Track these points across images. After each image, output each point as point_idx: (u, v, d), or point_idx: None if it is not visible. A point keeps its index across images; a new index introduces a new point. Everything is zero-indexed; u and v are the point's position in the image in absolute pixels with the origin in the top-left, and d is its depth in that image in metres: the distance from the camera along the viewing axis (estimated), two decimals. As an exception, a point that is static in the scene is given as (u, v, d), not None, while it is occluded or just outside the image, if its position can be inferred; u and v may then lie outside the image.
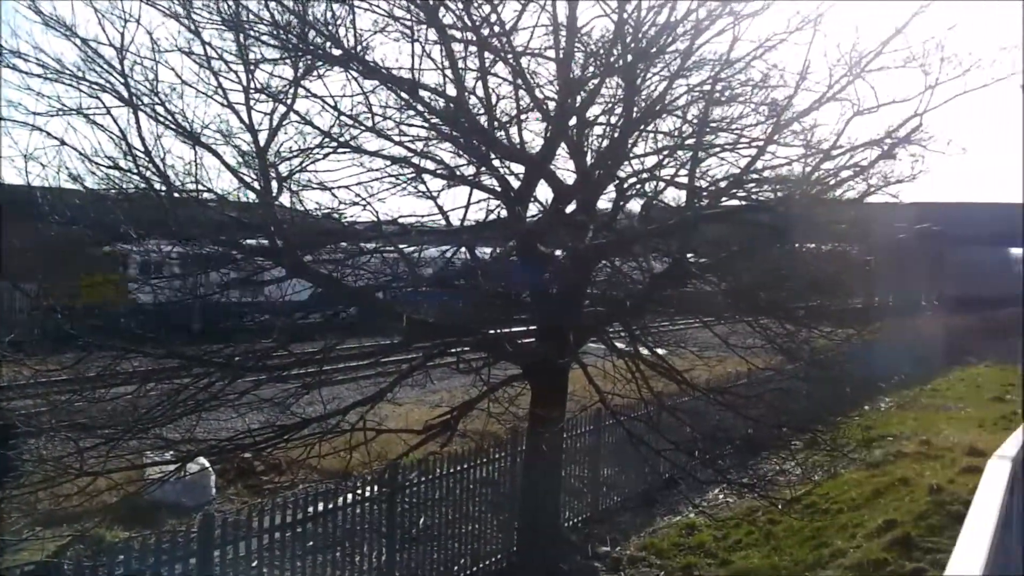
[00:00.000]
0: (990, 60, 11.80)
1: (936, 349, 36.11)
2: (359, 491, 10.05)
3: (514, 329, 13.26)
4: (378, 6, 10.38)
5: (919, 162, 13.25)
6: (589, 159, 12.93)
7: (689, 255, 13.79)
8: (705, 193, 13.66)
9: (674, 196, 14.88)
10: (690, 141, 13.21)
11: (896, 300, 48.51)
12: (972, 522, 3.07)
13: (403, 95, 10.89)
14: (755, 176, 13.74)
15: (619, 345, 12.79)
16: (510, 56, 11.65)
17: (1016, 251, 60.86)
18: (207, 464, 12.16)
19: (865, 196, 14.22)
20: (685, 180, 13.53)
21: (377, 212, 10.72)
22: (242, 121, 9.47)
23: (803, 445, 16.01)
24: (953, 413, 24.37)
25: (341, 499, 9.86)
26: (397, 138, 11.12)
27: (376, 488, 10.33)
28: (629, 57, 11.80)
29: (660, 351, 13.26)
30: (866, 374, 26.52)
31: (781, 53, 12.44)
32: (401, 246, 11.09)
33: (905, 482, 15.96)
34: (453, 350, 11.85)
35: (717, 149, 13.47)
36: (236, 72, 9.32)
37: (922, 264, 45.34)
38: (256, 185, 9.71)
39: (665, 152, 13.49)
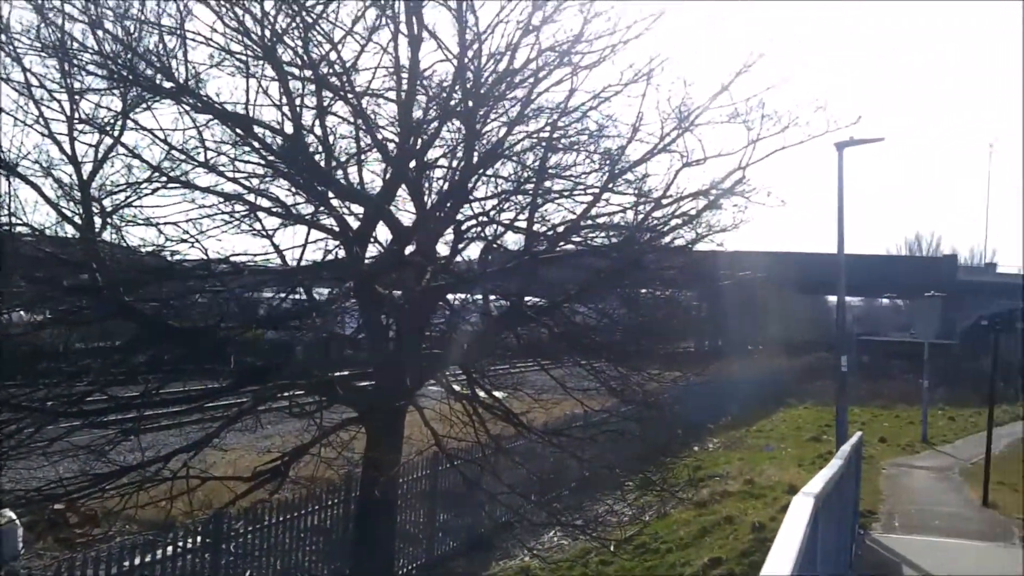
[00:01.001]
0: (806, 118, 13.73)
1: (761, 391, 39.35)
2: (181, 543, 10.02)
3: (350, 372, 13.59)
4: (213, 40, 10.58)
5: (742, 212, 15.18)
6: (429, 201, 13.66)
7: (527, 298, 14.75)
8: (543, 238, 14.72)
9: (513, 240, 15.95)
10: (529, 186, 14.25)
11: (724, 344, 52.50)
12: (775, 555, 3.75)
13: (238, 131, 11.12)
14: (591, 222, 14.99)
15: (457, 388, 13.42)
16: (350, 95, 12.19)
17: (832, 299, 67.85)
18: (14, 516, 11.62)
19: (693, 244, 15.79)
20: (524, 224, 14.53)
21: (208, 250, 10.79)
22: (64, 152, 9.40)
23: (635, 486, 17.06)
24: (775, 453, 26.75)
25: (161, 551, 9.80)
26: (231, 174, 11.29)
27: (199, 539, 10.34)
28: (470, 102, 12.63)
29: (498, 394, 14.01)
30: (696, 415, 28.64)
31: (616, 105, 13.75)
32: (233, 286, 11.20)
33: (730, 520, 17.36)
34: (285, 393, 11.99)
35: (555, 195, 14.58)
36: (59, 101, 9.29)
37: (748, 310, 49.36)
38: (77, 219, 9.61)
39: (504, 196, 14.46)
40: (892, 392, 43.28)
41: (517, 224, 14.87)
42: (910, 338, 55.68)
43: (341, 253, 12.62)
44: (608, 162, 14.08)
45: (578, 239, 15.11)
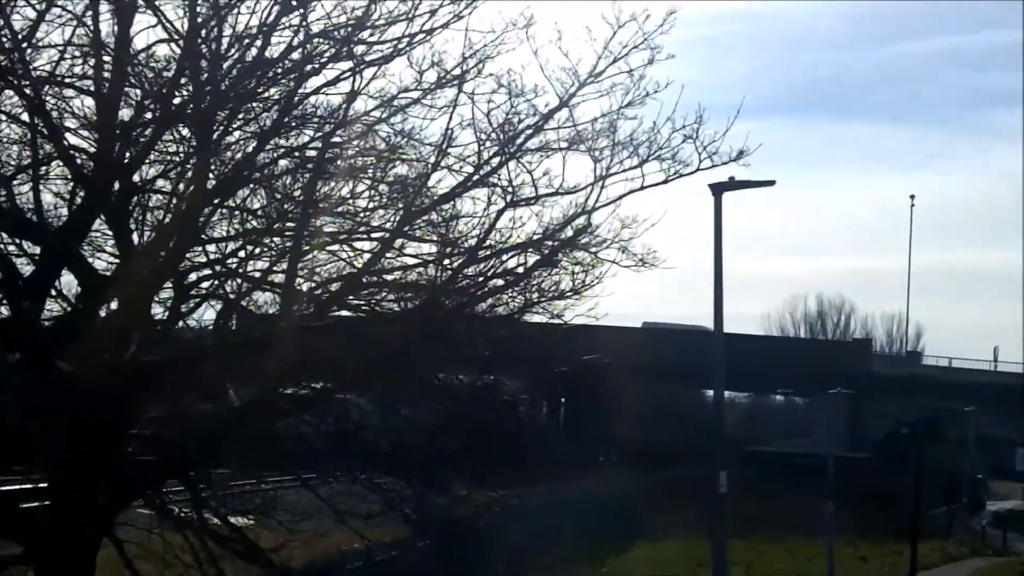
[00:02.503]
0: (672, 149, 14.56)
1: (614, 519, 40.43)
2: None
3: (13, 486, 13.07)
4: None
5: (588, 272, 15.98)
6: (140, 240, 13.56)
7: (284, 385, 14.80)
8: (308, 298, 14.91)
9: (266, 300, 15.99)
10: (289, 225, 14.44)
11: (565, 452, 53.86)
12: None
13: None
14: (377, 279, 15.35)
15: (176, 511, 13.22)
16: (24, 82, 11.97)
17: (710, 393, 71.48)
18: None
19: (521, 313, 16.49)
20: (281, 279, 14.71)
21: None
22: None
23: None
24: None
25: None
26: None
27: None
28: (203, 101, 12.64)
29: (238, 520, 13.89)
30: (523, 550, 29.06)
31: (415, 118, 14.14)
32: None
33: None
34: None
35: (327, 239, 14.85)
36: None
37: (599, 405, 51.07)
38: None
39: (252, 238, 14.58)
40: (786, 520, 45.46)
41: (271, 278, 15.03)
42: (810, 449, 58.89)
43: (4, 311, 12.27)
44: (403, 195, 14.54)
45: (358, 302, 15.46)
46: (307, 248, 14.66)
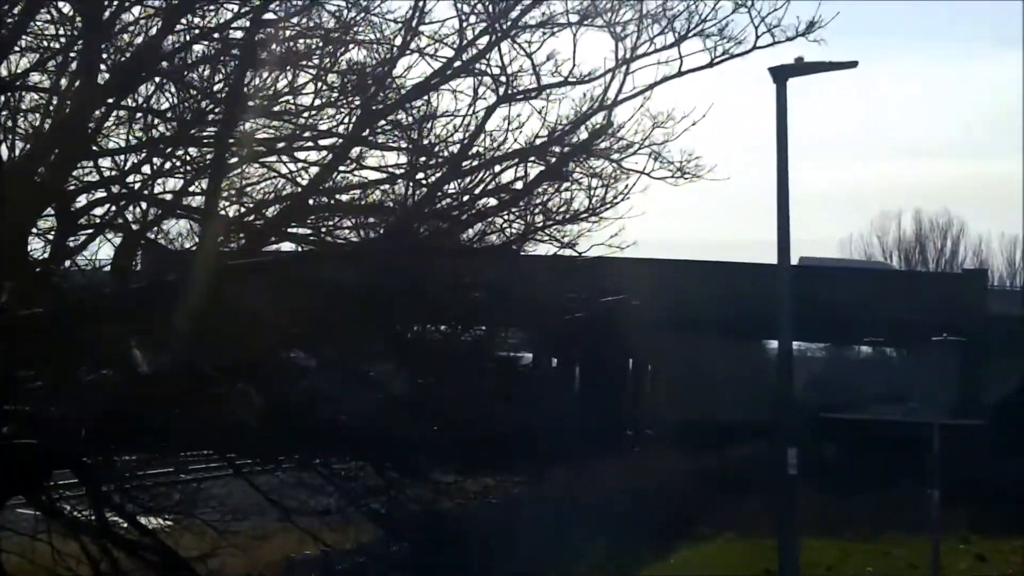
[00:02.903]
0: (721, 18, 14.50)
1: (651, 513, 40.66)
2: None
3: None
4: None
5: (609, 186, 15.98)
6: (10, 153, 13.56)
7: (208, 343, 14.87)
8: (237, 228, 14.98)
9: (181, 231, 15.99)
10: (210, 131, 14.47)
11: (583, 427, 54.00)
12: None
13: None
14: (328, 200, 15.41)
15: (69, 510, 13.33)
16: None
17: (773, 345, 71.08)
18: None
19: (521, 242, 16.53)
20: (201, 202, 14.78)
21: None
22: None
23: None
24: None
25: None
26: None
27: None
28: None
29: (151, 521, 14.03)
30: (530, 559, 29.31)
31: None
32: None
33: None
34: None
35: (260, 148, 14.93)
36: None
37: (626, 366, 51.28)
38: None
39: (162, 148, 14.59)
40: (878, 511, 45.74)
41: (187, 202, 15.06)
42: (908, 416, 59.15)
43: None
44: (360, 89, 14.58)
45: (304, 231, 15.52)
46: (234, 161, 14.69)
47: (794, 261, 24.41)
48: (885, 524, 44.02)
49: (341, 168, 15.03)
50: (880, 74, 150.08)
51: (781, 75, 22.33)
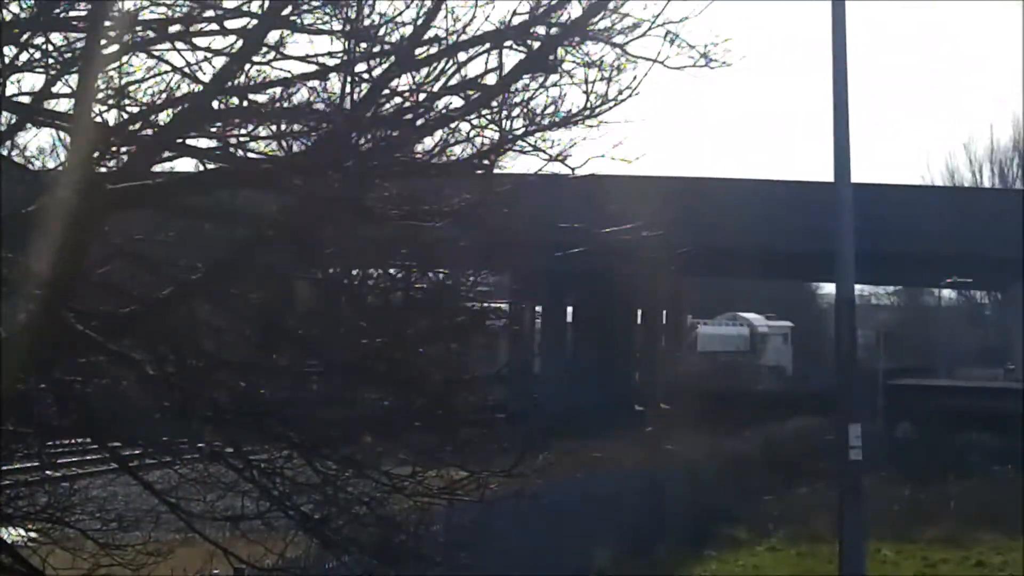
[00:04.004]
0: None
1: (675, 510, 40.84)
2: None
3: None
4: None
5: (611, 81, 15.86)
6: None
7: (81, 292, 14.84)
8: (119, 137, 14.93)
9: (43, 144, 15.98)
10: (79, 11, 14.45)
11: (573, 396, 54.09)
12: None
13: None
14: (239, 101, 15.32)
15: None
16: None
17: (828, 289, 70.84)
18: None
19: (495, 155, 16.47)
20: (69, 106, 14.85)
21: None
22: None
23: None
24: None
25: None
26: None
27: None
28: None
29: (8, 533, 13.99)
30: (506, 571, 29.48)
31: None
32: None
33: None
34: None
35: (147, 33, 14.84)
36: None
37: (629, 316, 51.22)
38: None
39: (14, 33, 14.49)
40: (969, 508, 46.02)
41: (50, 105, 15.03)
42: (1005, 380, 59.57)
43: None
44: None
45: (208, 143, 15.51)
46: (112, 50, 14.56)
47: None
48: (977, 524, 44.36)
49: (255, 59, 14.90)
50: None
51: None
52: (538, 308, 58.67)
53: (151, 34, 14.75)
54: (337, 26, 14.99)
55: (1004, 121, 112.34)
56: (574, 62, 15.38)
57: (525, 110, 15.46)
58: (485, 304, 19.32)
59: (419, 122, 15.31)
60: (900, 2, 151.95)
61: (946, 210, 64.70)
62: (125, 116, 15.21)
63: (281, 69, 15.16)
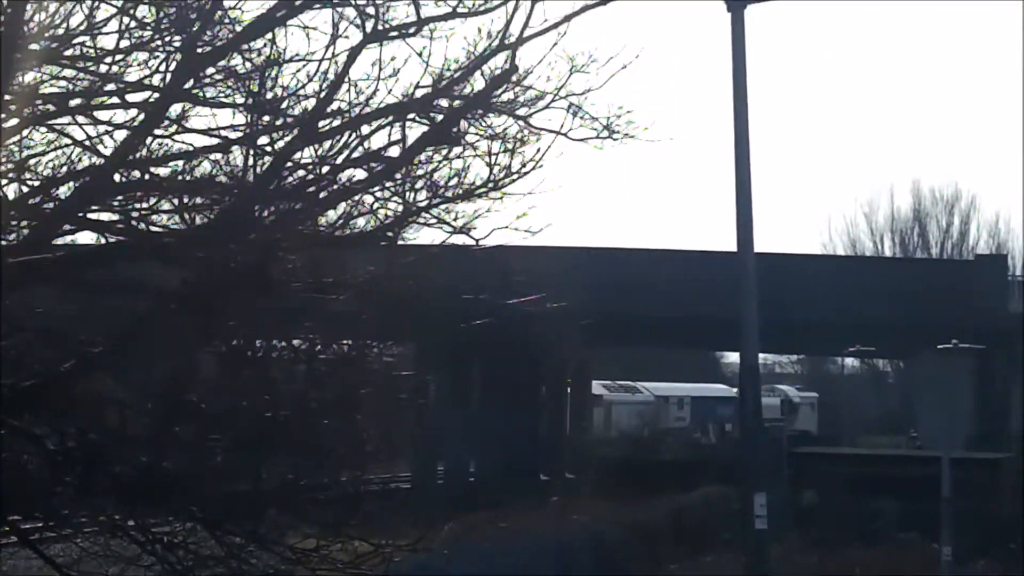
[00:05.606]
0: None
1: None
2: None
3: None
4: None
5: (514, 153, 15.88)
6: None
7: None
8: (21, 211, 14.88)
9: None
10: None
11: (479, 466, 54.20)
12: None
13: None
14: (141, 174, 15.30)
15: None
16: None
17: (732, 358, 71.02)
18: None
19: (398, 226, 16.48)
20: None
21: None
22: None
23: None
24: None
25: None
26: None
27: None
28: None
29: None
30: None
31: None
32: None
33: None
34: None
35: (47, 107, 14.84)
36: None
37: (535, 382, 51.27)
38: None
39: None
40: (872, 574, 46.34)
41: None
42: (909, 448, 59.89)
43: None
44: (182, 25, 14.51)
45: (110, 217, 15.48)
46: (12, 124, 14.57)
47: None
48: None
49: (157, 132, 14.95)
50: (866, 6, 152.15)
51: (737, 3, 22.56)
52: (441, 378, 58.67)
53: (52, 108, 14.74)
54: (240, 99, 15.04)
55: (903, 189, 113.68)
56: (477, 134, 15.53)
57: (429, 182, 15.58)
58: (391, 374, 19.35)
59: (322, 194, 15.38)
60: (801, 70, 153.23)
61: (847, 279, 65.23)
62: (25, 189, 15.17)
63: (183, 142, 15.22)
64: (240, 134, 15.11)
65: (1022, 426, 61.71)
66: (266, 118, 14.93)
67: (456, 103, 15.19)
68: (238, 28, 14.54)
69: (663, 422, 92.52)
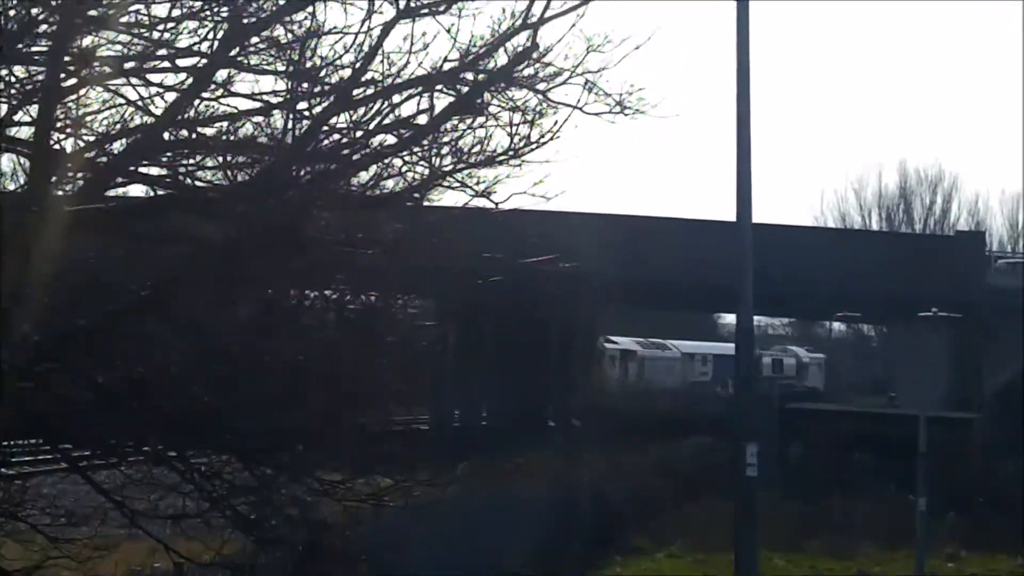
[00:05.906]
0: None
1: (575, 519, 40.81)
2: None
3: None
4: None
5: (533, 124, 15.87)
6: None
7: (37, 309, 14.73)
8: (75, 165, 14.90)
9: (4, 169, 15.85)
10: (40, 46, 14.35)
11: (491, 413, 54.17)
12: None
13: None
14: (188, 134, 15.28)
15: None
16: None
17: (729, 320, 71.33)
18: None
19: (424, 188, 16.48)
20: (29, 134, 14.64)
21: None
22: None
23: None
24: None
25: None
26: None
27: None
28: None
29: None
30: (425, 570, 29.42)
31: None
32: None
33: None
34: None
35: (104, 68, 14.76)
36: None
37: (544, 339, 51.18)
38: None
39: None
40: (854, 521, 46.23)
41: (11, 133, 14.88)
42: (888, 408, 59.81)
43: None
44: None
45: (159, 172, 15.42)
46: (71, 83, 14.52)
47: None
48: (861, 537, 44.47)
49: (204, 95, 14.91)
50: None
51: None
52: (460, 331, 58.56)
53: (107, 70, 14.70)
54: (281, 67, 15.00)
55: (891, 168, 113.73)
56: (500, 106, 15.47)
57: (453, 149, 15.54)
58: (414, 324, 19.40)
59: (355, 157, 15.36)
60: (798, 47, 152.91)
61: (837, 250, 65.16)
62: (81, 144, 15.14)
63: (228, 105, 15.18)
64: (280, 99, 15.10)
65: (992, 389, 61.60)
66: (305, 85, 14.90)
67: (480, 76, 15.15)
68: (281, 1, 14.51)
69: (689, 376, 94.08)
